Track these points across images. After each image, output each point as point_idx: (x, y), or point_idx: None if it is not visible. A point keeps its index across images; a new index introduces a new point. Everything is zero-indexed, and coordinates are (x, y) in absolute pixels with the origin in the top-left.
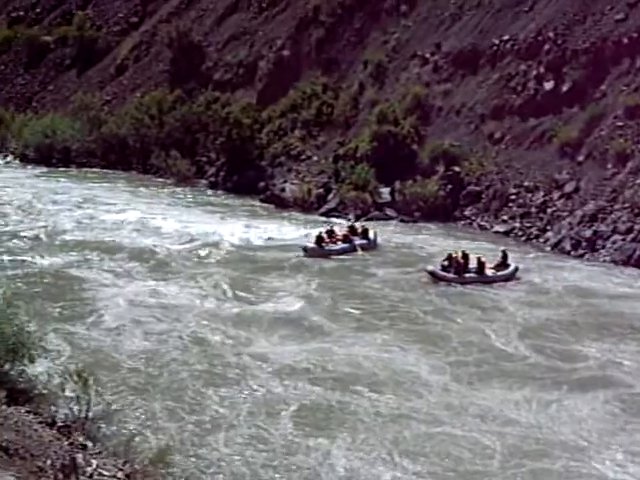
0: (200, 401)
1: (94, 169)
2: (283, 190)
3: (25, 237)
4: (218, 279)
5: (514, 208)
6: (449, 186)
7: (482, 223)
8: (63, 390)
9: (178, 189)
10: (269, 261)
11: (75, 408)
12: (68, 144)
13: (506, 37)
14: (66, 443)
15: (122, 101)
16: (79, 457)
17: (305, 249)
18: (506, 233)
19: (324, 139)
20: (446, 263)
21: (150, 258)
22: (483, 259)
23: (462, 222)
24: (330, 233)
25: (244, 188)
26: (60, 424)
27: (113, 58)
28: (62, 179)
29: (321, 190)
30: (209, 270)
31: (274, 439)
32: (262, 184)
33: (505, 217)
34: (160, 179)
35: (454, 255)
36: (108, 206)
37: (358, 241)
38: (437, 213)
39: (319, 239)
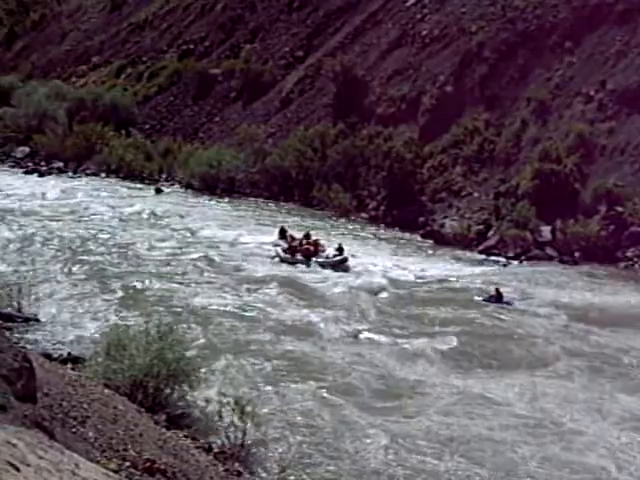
0: (363, 441)
1: (257, 199)
2: (443, 226)
3: (195, 264)
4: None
5: None
6: (611, 226)
7: None
8: (220, 417)
9: (339, 222)
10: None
11: (231, 435)
12: (232, 174)
13: None
14: (221, 469)
15: (286, 133)
16: None
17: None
18: None
19: (485, 176)
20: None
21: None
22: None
23: (623, 264)
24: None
25: (404, 223)
26: (216, 450)
27: (278, 91)
28: (228, 207)
29: (481, 227)
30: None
31: None
32: (422, 219)
33: None
34: (321, 211)
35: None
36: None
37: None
38: (597, 254)
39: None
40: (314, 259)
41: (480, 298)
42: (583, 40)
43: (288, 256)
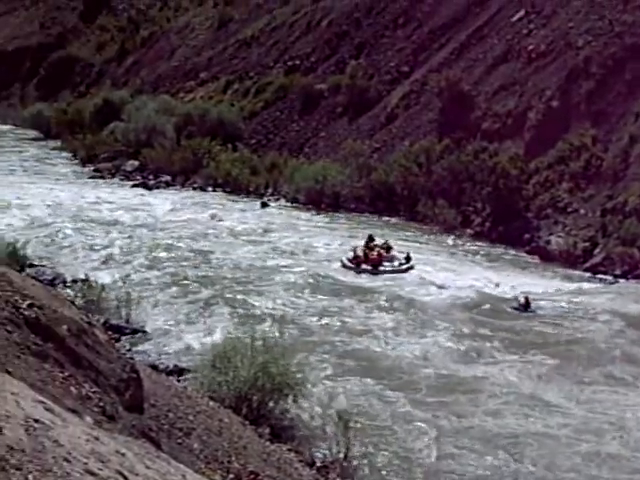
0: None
1: (362, 214)
2: (548, 242)
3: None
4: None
5: None
6: None
7: None
8: (323, 431)
9: (443, 237)
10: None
11: (334, 449)
12: (337, 189)
13: None
14: None
15: (391, 149)
16: None
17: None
18: None
19: (592, 192)
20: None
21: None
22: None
23: None
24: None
25: (509, 239)
26: (319, 464)
27: (383, 106)
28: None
29: (587, 244)
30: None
31: None
32: (527, 236)
33: None
34: (425, 227)
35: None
36: None
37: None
38: None
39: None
40: (381, 268)
41: (514, 306)
42: None
43: (352, 265)
